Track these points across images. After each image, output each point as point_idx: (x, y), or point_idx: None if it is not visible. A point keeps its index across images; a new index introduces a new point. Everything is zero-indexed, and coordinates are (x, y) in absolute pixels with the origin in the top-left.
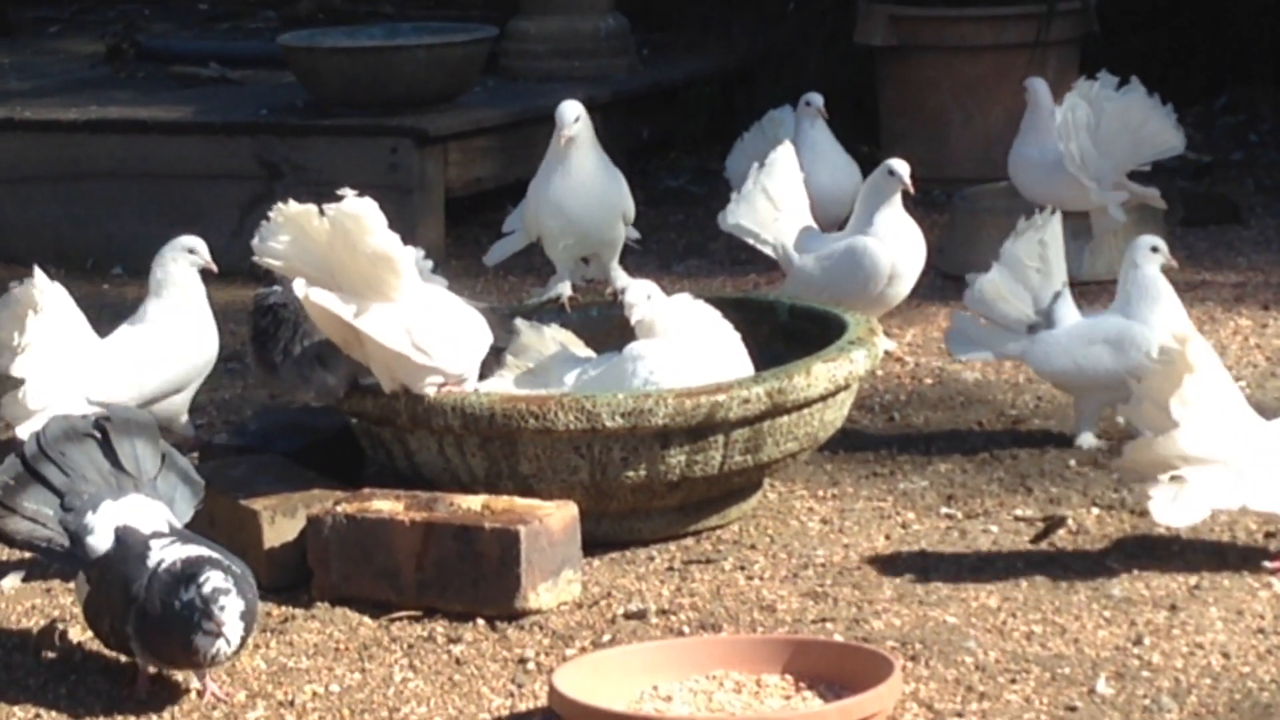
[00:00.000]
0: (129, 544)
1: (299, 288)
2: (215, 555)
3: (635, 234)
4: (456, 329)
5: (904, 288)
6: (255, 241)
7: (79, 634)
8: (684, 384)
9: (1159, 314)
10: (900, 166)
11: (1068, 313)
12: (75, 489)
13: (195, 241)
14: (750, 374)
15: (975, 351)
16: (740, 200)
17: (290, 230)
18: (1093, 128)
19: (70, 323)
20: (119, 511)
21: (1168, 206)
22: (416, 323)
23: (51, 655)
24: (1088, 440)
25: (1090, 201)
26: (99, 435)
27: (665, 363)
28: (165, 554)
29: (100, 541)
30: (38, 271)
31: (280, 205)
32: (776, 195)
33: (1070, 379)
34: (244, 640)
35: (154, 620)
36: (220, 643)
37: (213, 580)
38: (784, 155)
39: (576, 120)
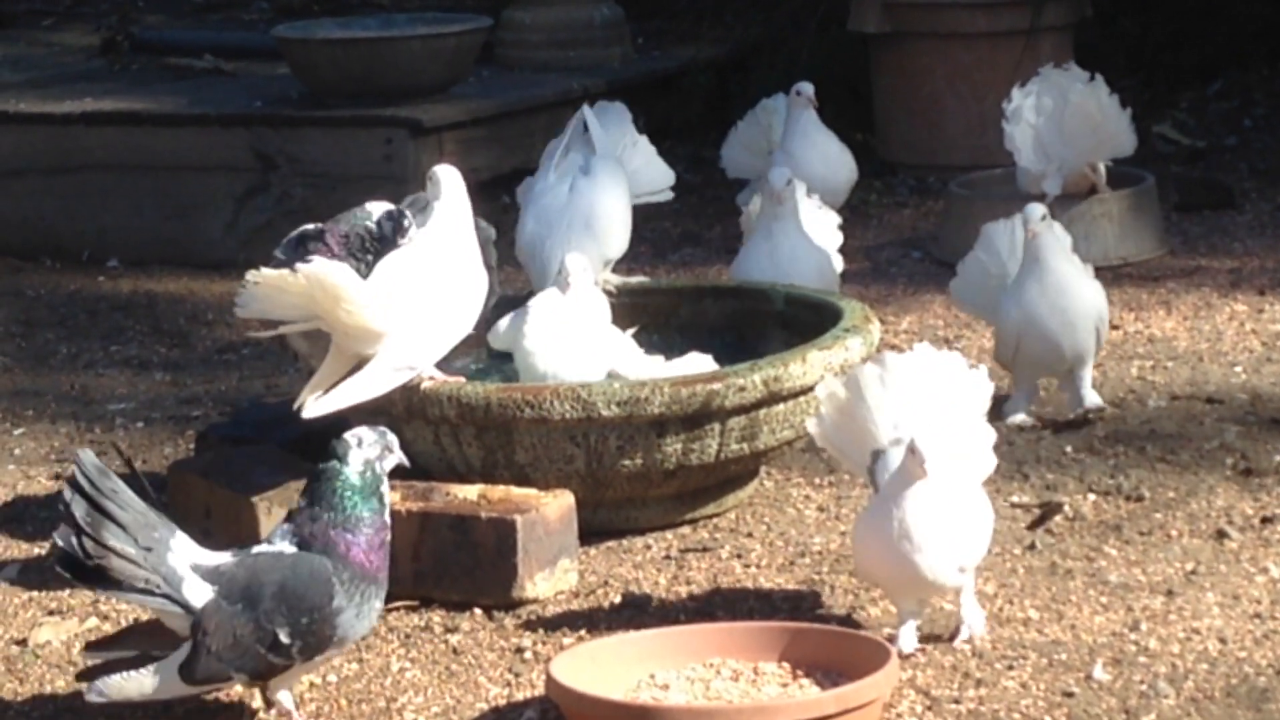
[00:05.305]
0: (228, 575)
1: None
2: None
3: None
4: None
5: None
6: (237, 308)
7: (76, 625)
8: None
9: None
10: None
11: None
12: (141, 524)
13: None
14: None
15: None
16: None
17: (268, 289)
18: (1057, 116)
19: None
20: (182, 548)
21: (1109, 192)
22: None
23: (47, 649)
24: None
25: (1040, 184)
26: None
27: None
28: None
29: (194, 586)
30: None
31: (253, 271)
32: None
33: None
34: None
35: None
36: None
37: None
38: None
39: None
